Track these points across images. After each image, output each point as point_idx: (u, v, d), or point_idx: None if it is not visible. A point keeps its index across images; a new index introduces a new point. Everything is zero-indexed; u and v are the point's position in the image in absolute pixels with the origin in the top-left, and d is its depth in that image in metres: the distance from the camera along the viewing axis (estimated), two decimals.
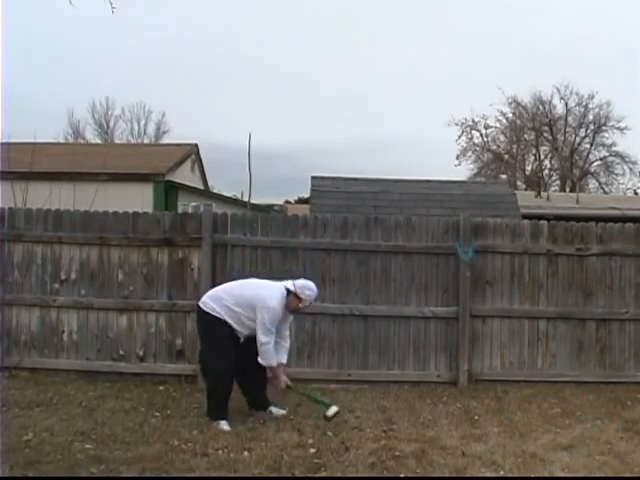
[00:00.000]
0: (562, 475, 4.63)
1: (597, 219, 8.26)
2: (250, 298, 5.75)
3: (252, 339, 5.78)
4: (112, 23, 47.68)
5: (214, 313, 5.77)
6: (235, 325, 5.77)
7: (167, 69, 56.43)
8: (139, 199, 14.34)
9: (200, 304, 5.93)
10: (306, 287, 5.92)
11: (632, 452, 5.07)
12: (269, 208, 21.27)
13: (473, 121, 37.41)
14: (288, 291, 5.86)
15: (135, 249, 7.41)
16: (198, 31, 58.47)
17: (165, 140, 40.14)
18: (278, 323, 5.78)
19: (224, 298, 5.81)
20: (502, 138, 38.89)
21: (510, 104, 37.54)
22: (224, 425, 5.54)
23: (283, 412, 5.99)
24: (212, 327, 5.80)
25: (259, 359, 5.74)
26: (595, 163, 38.76)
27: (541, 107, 38.35)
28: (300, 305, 5.92)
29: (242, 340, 5.85)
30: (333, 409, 5.73)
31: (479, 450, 5.06)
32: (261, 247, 7.43)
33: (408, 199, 10.21)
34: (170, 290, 7.35)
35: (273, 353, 5.75)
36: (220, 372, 5.71)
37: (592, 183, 38.28)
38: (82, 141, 38.88)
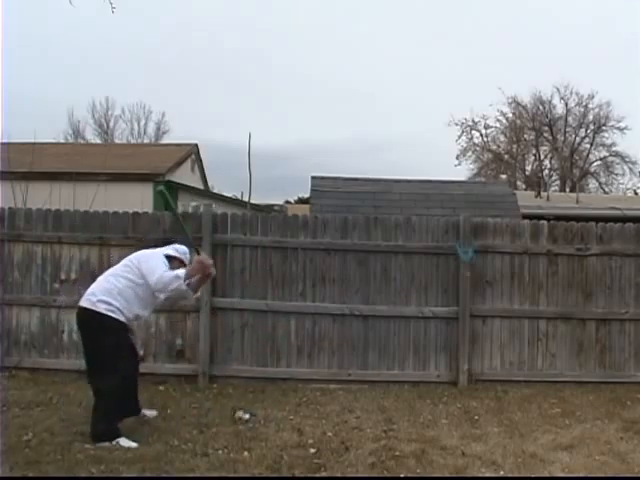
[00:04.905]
0: (562, 475, 4.62)
1: (597, 219, 8.26)
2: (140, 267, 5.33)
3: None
4: (112, 23, 47.76)
5: (110, 313, 5.11)
6: (142, 311, 5.32)
7: (167, 69, 56.46)
8: (139, 199, 14.31)
9: (90, 305, 5.16)
10: (185, 251, 5.60)
11: (632, 452, 5.07)
12: (269, 208, 21.23)
13: (473, 121, 37.51)
14: (169, 258, 5.48)
15: (135, 249, 7.37)
16: (198, 31, 58.49)
17: (165, 140, 40.19)
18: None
19: (116, 286, 5.22)
20: (502, 138, 38.97)
21: (510, 104, 37.65)
22: (127, 442, 4.98)
23: (154, 413, 5.72)
24: (112, 330, 5.11)
25: (182, 287, 5.19)
26: (595, 163, 38.86)
27: (541, 107, 38.44)
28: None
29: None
30: None
31: (479, 450, 5.06)
32: (261, 247, 7.43)
33: (408, 199, 10.21)
34: None
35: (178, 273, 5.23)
36: (131, 380, 5.26)
37: (592, 183, 38.40)
38: (82, 141, 38.85)
